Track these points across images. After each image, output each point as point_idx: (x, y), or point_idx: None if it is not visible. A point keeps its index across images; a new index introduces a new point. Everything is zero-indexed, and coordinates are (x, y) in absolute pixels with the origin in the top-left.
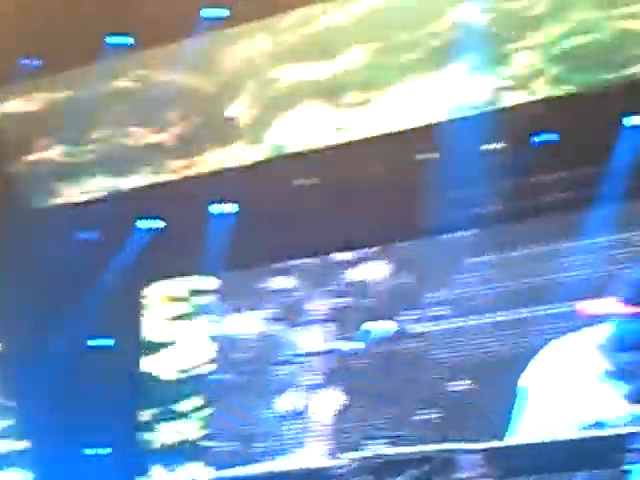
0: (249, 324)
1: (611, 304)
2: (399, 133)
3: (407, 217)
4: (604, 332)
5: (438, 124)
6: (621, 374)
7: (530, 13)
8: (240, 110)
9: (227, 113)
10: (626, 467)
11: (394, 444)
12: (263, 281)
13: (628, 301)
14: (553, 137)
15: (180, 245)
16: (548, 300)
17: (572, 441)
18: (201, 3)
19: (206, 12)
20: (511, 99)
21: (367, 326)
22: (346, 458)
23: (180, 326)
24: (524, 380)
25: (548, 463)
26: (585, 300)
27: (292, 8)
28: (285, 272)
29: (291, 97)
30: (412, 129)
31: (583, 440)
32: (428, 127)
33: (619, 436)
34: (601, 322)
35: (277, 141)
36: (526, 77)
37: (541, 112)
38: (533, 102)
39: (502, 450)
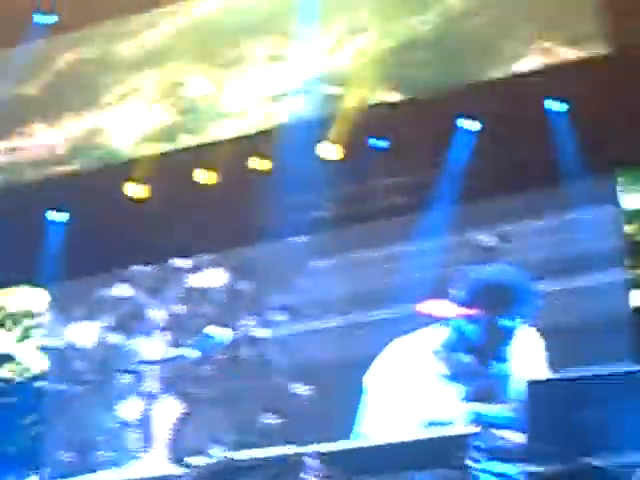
0: (87, 333)
1: (447, 306)
2: (236, 139)
3: (245, 222)
4: (440, 334)
5: (274, 128)
6: (456, 375)
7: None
8: (68, 116)
9: (54, 119)
10: (465, 464)
11: (238, 449)
12: (100, 289)
13: (462, 303)
14: (385, 143)
15: (13, 254)
16: (388, 303)
17: (413, 441)
18: (33, 8)
19: (37, 18)
20: (345, 103)
21: (207, 332)
22: (190, 464)
23: (15, 336)
24: (365, 380)
25: (389, 463)
26: (423, 302)
27: (123, 15)
28: (122, 280)
29: (122, 104)
30: (248, 134)
31: (423, 440)
32: (264, 132)
33: (458, 436)
34: (438, 324)
35: (109, 148)
36: (361, 81)
37: (377, 117)
38: (369, 107)
39: (345, 452)
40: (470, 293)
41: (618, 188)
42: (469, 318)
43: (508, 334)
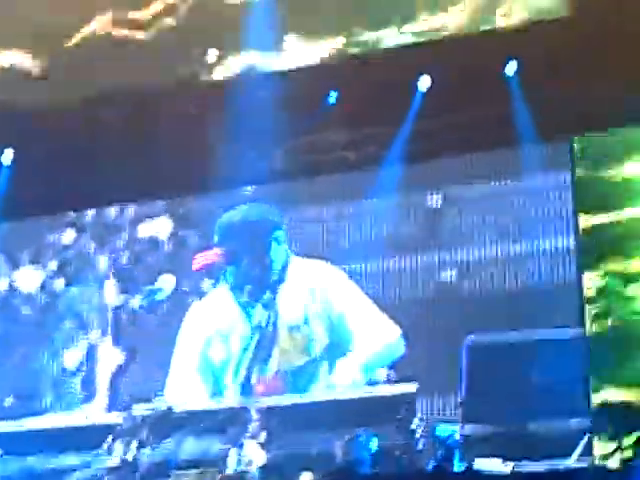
0: (31, 278)
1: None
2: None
3: (192, 172)
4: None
5: (229, 79)
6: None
7: None
8: None
9: None
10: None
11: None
12: (47, 234)
13: (217, 245)
14: (335, 98)
15: None
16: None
17: (358, 399)
18: None
19: None
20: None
21: (157, 283)
22: (134, 412)
23: None
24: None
25: (332, 419)
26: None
27: None
28: (69, 225)
29: None
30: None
31: (368, 398)
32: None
33: (402, 394)
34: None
35: None
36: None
37: (330, 72)
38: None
39: (286, 407)
40: (219, 235)
41: (572, 155)
42: (226, 258)
43: (273, 265)
